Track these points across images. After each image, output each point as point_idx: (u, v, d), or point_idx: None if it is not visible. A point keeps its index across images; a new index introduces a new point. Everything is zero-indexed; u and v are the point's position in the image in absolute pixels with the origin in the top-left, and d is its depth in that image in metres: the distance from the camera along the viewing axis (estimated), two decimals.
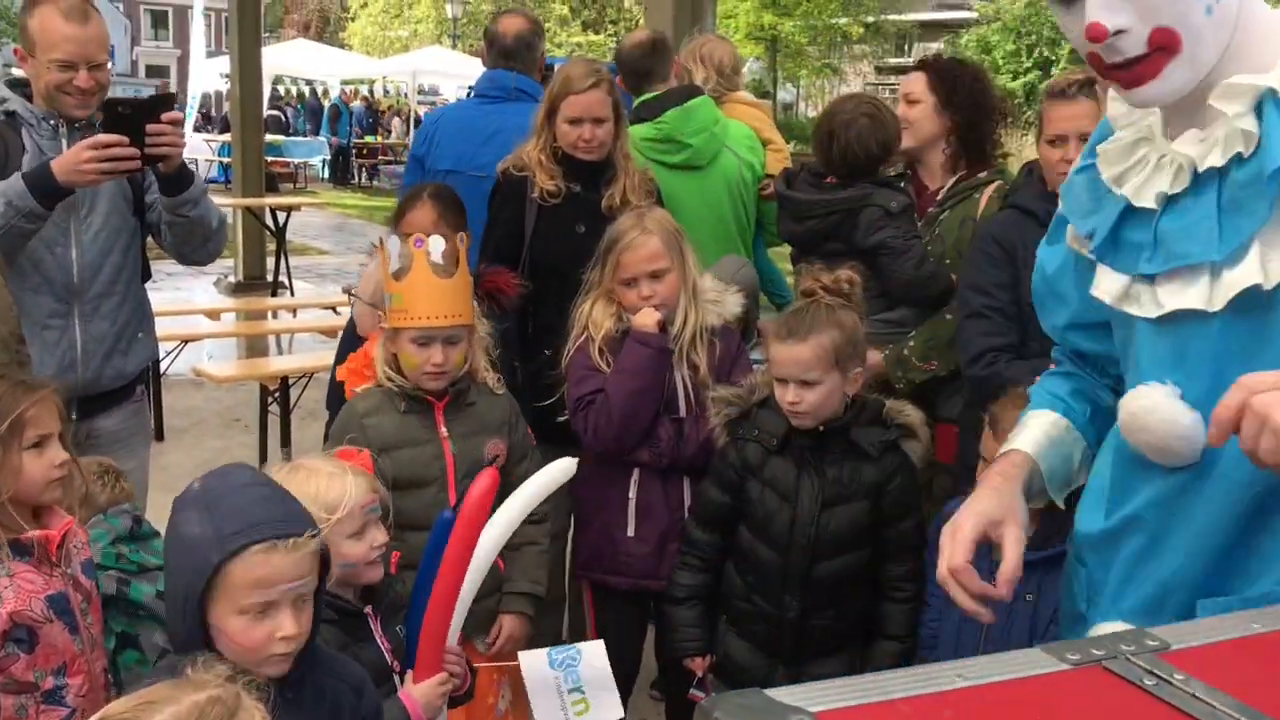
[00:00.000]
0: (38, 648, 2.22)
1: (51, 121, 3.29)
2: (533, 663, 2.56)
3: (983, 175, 3.63)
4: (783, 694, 1.08)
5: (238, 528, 1.76)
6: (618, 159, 3.68)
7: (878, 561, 2.89)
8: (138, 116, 3.09)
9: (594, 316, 3.16)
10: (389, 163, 25.61)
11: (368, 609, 2.32)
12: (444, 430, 2.85)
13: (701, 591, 2.98)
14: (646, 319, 3.09)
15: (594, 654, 2.59)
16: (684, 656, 3.01)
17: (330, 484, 2.22)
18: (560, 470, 2.50)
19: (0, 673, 2.19)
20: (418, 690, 2.29)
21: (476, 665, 2.55)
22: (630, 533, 3.15)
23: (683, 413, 3.13)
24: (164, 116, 3.13)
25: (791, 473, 2.84)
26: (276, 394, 6.47)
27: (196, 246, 3.46)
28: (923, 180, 3.76)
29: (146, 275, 3.55)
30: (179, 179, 3.28)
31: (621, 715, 2.58)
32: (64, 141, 3.29)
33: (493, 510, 2.40)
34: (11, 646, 2.20)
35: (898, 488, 2.84)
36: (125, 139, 3.06)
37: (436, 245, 2.82)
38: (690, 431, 3.11)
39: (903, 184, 3.68)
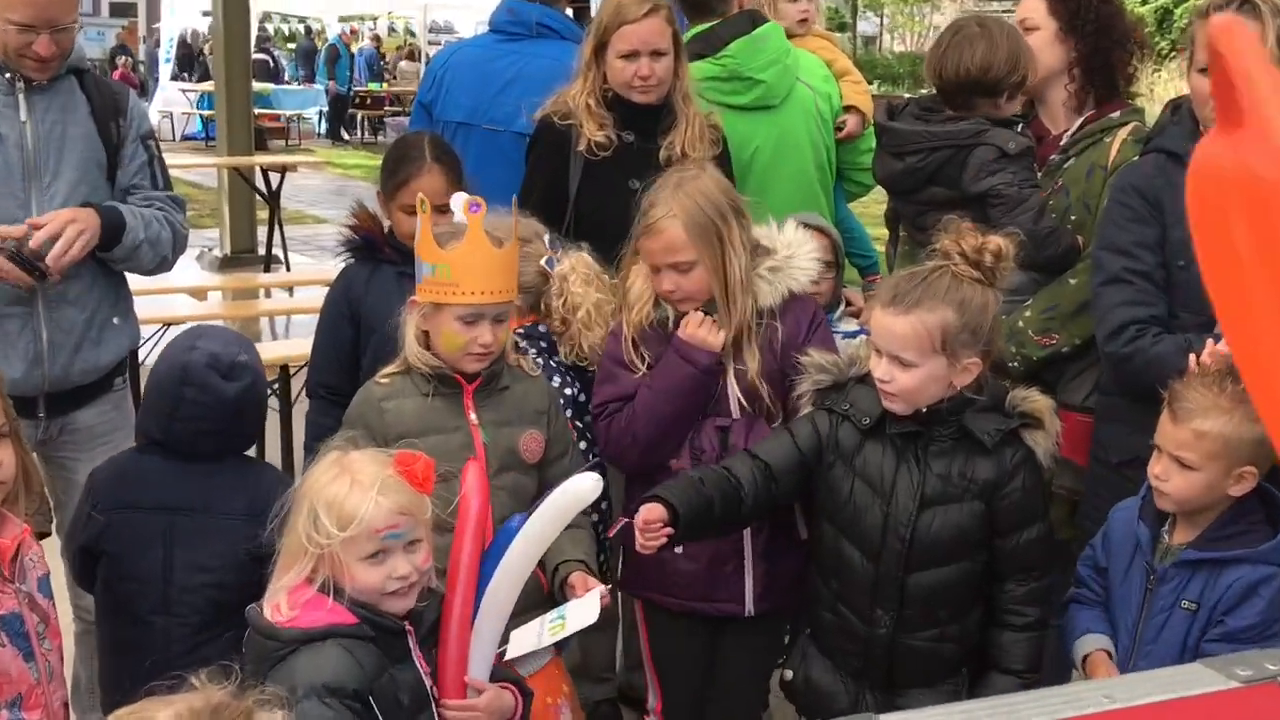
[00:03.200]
0: None
1: (8, 76, 3.29)
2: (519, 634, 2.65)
3: (1115, 116, 3.53)
4: (896, 719, 1.13)
5: None
6: (677, 102, 3.63)
7: (994, 578, 2.81)
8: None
9: (636, 291, 3.08)
10: (396, 114, 25.60)
11: (409, 626, 2.32)
12: (473, 416, 2.84)
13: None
14: (700, 331, 2.97)
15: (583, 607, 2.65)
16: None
17: (351, 496, 2.22)
18: (587, 489, 2.51)
19: None
20: None
21: (532, 689, 2.58)
22: (678, 550, 3.06)
23: (736, 415, 3.05)
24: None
25: (890, 463, 2.76)
26: (276, 385, 6.39)
27: (135, 272, 3.57)
28: (1043, 123, 3.65)
29: None
30: (106, 243, 3.33)
31: (595, 618, 2.61)
32: (20, 98, 3.29)
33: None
34: None
35: (1018, 489, 2.75)
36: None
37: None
38: (736, 440, 3.03)
39: (1021, 128, 3.52)
